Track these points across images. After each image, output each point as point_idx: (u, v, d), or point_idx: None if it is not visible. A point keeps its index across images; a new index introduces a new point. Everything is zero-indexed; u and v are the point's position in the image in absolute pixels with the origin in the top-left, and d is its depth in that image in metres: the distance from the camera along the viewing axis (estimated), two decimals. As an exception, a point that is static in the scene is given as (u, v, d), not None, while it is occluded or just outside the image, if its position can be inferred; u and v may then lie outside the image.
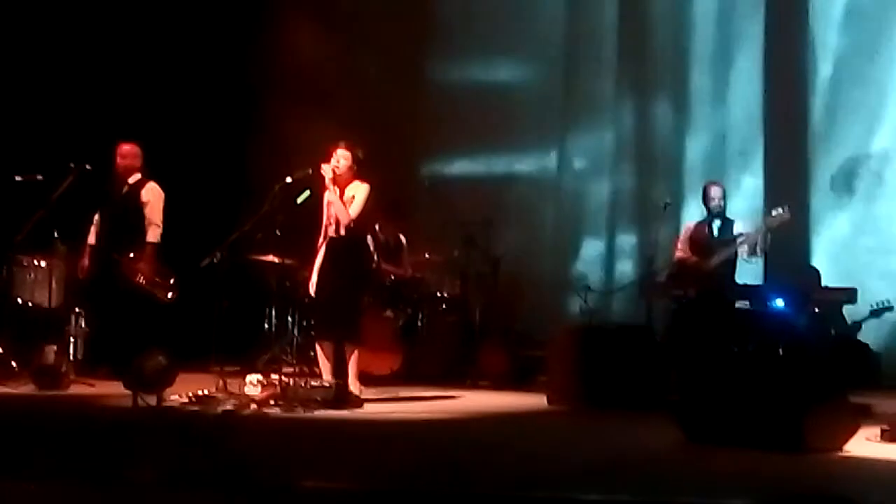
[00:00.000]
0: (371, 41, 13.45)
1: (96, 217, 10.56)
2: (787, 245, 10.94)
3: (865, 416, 7.96)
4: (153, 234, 10.43)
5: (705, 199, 10.67)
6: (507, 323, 12.05)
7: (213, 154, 12.44)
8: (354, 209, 9.15)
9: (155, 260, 10.39)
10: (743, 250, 10.30)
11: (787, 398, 7.18)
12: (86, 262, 10.49)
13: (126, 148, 10.51)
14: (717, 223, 10.59)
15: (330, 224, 9.22)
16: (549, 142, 13.17)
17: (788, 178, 12.07)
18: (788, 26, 12.27)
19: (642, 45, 12.87)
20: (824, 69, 12.10)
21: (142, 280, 10.29)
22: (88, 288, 10.52)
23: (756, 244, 10.25)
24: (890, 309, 10.44)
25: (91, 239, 10.56)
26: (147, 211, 10.43)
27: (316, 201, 9.31)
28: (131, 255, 10.31)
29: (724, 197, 10.61)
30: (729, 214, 10.60)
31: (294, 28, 13.39)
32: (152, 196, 10.48)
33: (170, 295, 10.33)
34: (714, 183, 10.85)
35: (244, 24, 13.11)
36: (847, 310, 11.07)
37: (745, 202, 11.86)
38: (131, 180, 10.51)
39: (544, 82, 13.11)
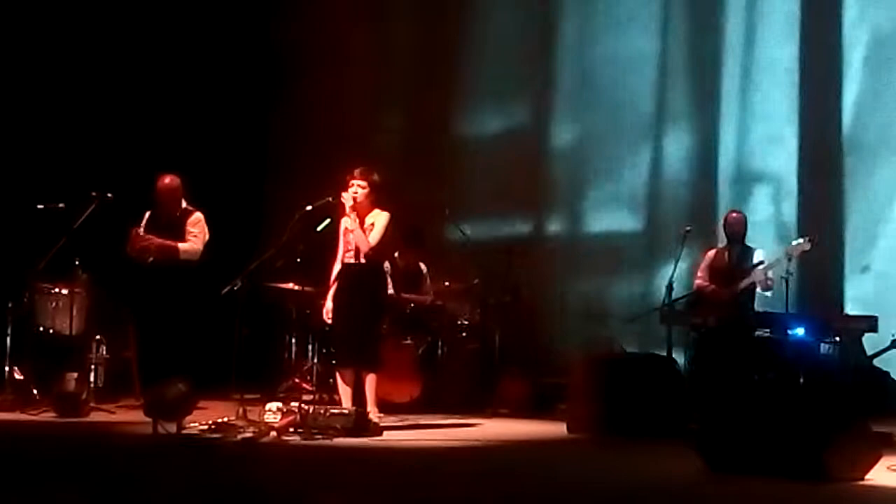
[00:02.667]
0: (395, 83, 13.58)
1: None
2: (819, 276, 10.97)
3: (887, 444, 7.91)
4: (188, 247, 10.27)
5: (726, 226, 10.71)
6: (528, 351, 12.03)
7: (233, 182, 12.49)
8: (374, 237, 9.18)
9: (167, 249, 10.19)
10: (759, 282, 10.32)
11: (809, 427, 7.14)
12: (141, 231, 10.28)
13: (167, 179, 10.35)
14: (737, 251, 10.61)
15: (347, 251, 9.25)
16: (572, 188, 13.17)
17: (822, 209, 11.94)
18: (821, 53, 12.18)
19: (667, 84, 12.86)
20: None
21: (140, 233, 10.18)
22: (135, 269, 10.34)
23: (769, 277, 10.28)
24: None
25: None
26: (191, 235, 10.32)
27: (336, 229, 9.34)
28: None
29: (744, 224, 10.64)
30: (750, 243, 10.64)
31: (316, 63, 13.46)
32: (198, 227, 10.37)
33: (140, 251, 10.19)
34: (735, 211, 10.94)
35: (268, 59, 13.20)
36: (869, 339, 10.98)
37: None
38: (177, 211, 10.40)
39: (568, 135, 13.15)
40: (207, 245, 10.41)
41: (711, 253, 10.82)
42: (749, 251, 10.60)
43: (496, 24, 13.40)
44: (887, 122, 11.59)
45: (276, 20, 13.42)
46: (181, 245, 10.30)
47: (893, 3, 11.69)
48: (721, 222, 10.89)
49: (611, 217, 12.86)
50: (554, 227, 13.16)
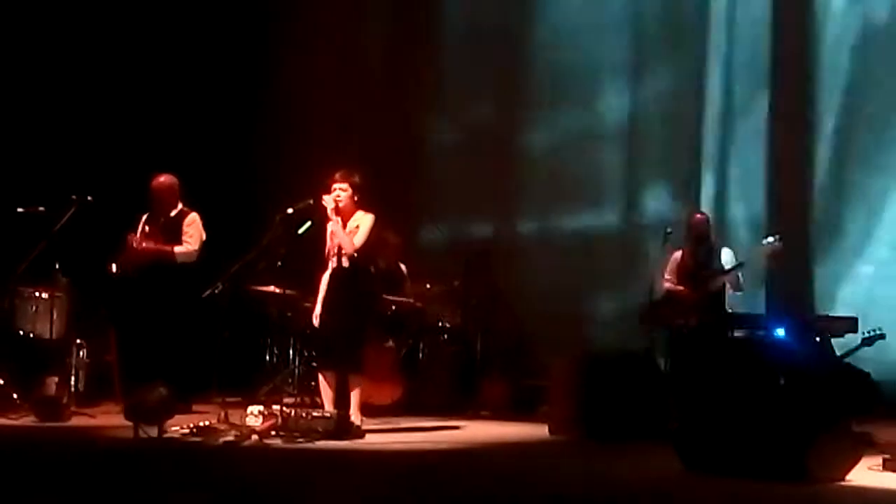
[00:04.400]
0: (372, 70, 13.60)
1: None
2: (789, 274, 11.00)
3: (868, 445, 7.96)
4: (184, 249, 10.25)
5: (690, 227, 10.71)
6: (509, 353, 12.04)
7: (215, 185, 12.47)
8: (358, 239, 9.12)
9: (163, 254, 10.19)
10: (731, 283, 10.36)
11: (789, 428, 7.17)
12: (137, 236, 10.27)
13: (162, 178, 10.35)
14: (702, 251, 10.63)
15: (333, 254, 9.21)
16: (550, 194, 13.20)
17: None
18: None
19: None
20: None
21: (136, 239, 10.19)
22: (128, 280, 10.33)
23: (739, 278, 10.32)
24: (882, 337, 10.42)
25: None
26: (187, 237, 10.32)
27: (317, 232, 9.31)
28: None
29: (708, 225, 10.68)
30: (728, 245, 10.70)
31: (299, 58, 13.46)
32: (194, 227, 10.36)
33: (114, 267, 10.23)
34: (698, 212, 10.99)
35: (252, 58, 13.19)
36: (844, 338, 11.02)
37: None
38: (172, 212, 10.39)
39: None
40: (204, 245, 10.40)
41: (678, 254, 10.79)
42: (715, 251, 10.63)
43: (470, 25, 13.47)
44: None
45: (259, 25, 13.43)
46: (177, 249, 10.27)
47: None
48: (685, 223, 10.90)
49: (586, 218, 12.91)
50: (528, 227, 13.19)
